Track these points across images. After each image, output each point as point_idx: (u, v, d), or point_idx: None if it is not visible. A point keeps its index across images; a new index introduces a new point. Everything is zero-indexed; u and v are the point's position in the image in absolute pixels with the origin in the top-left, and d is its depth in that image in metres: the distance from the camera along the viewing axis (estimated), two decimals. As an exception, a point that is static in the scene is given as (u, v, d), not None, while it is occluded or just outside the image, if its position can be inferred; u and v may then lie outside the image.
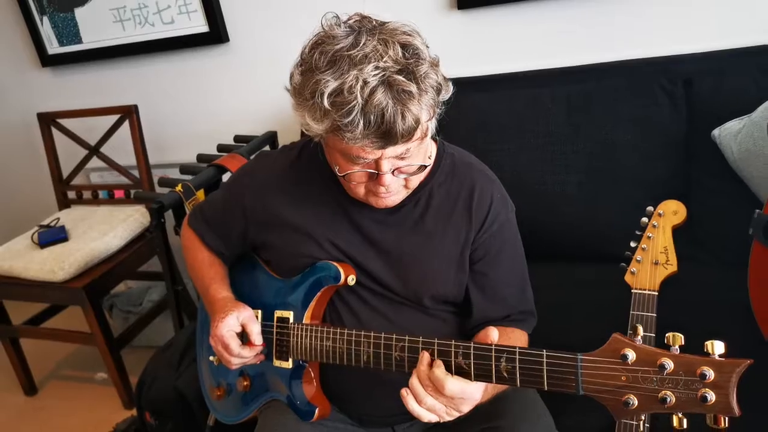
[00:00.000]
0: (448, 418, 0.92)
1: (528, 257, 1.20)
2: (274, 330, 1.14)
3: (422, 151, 0.99)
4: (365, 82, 0.86)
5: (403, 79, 0.87)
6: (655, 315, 1.19)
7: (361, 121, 0.87)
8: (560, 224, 1.66)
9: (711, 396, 0.71)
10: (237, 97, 2.27)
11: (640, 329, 0.77)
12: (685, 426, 0.74)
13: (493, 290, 1.12)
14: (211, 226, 1.24)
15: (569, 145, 1.65)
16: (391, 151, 0.92)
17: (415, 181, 1.03)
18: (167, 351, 1.62)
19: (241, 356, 1.11)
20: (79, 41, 2.36)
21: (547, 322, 1.21)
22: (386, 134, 0.88)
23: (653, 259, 1.24)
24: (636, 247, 1.27)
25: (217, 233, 1.24)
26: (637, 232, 1.27)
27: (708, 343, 0.72)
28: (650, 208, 1.28)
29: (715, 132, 1.54)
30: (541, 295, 1.22)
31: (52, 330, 2.28)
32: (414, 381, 0.91)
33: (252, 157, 1.87)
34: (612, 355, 0.77)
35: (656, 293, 1.21)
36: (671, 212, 1.26)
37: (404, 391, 0.92)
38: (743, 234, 1.28)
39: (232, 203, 1.19)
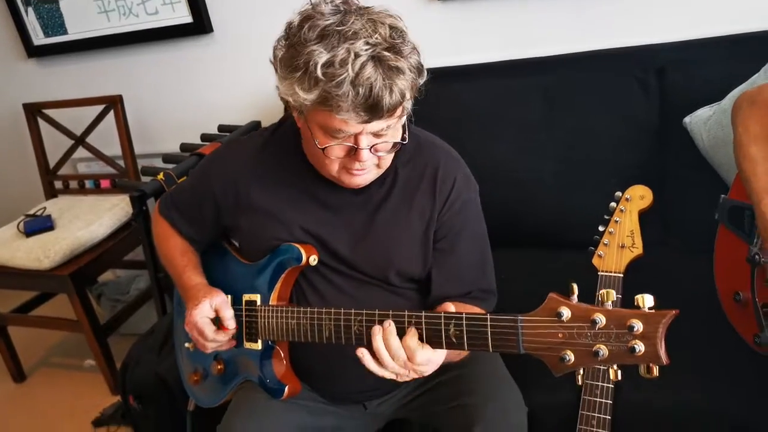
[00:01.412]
0: (406, 379, 0.96)
1: (502, 245, 1.23)
2: (243, 313, 1.16)
3: (399, 130, 1.01)
4: (356, 56, 0.89)
5: (392, 55, 0.91)
6: (620, 296, 1.22)
7: (351, 92, 0.89)
8: (535, 212, 1.68)
9: (640, 347, 0.74)
10: (221, 87, 2.29)
11: (575, 287, 0.80)
12: (620, 377, 0.78)
13: (454, 267, 1.14)
14: (182, 213, 1.26)
15: (544, 134, 1.67)
16: (373, 126, 0.95)
17: (387, 160, 1.06)
18: (150, 336, 1.64)
19: (216, 341, 1.14)
20: (65, 32, 2.37)
21: (519, 310, 1.24)
22: (373, 107, 0.91)
23: (620, 243, 1.27)
24: (604, 231, 1.30)
25: (188, 220, 1.26)
26: (606, 217, 1.31)
27: (638, 297, 0.75)
28: (618, 194, 1.31)
29: (687, 120, 1.56)
30: (514, 283, 1.26)
31: (40, 318, 2.31)
32: (380, 347, 0.94)
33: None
34: (549, 313, 0.80)
35: (621, 275, 1.25)
36: (638, 197, 1.29)
37: (360, 352, 0.94)
38: (712, 220, 1.31)
39: (202, 189, 1.20)
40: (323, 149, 1.00)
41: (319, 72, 0.90)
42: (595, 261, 1.28)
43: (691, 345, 1.20)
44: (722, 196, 1.30)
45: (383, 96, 0.90)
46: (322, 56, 0.89)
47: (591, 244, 1.30)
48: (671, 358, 0.75)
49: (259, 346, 1.14)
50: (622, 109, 1.63)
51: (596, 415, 1.15)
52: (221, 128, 2.14)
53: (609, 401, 1.15)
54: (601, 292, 0.78)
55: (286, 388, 1.13)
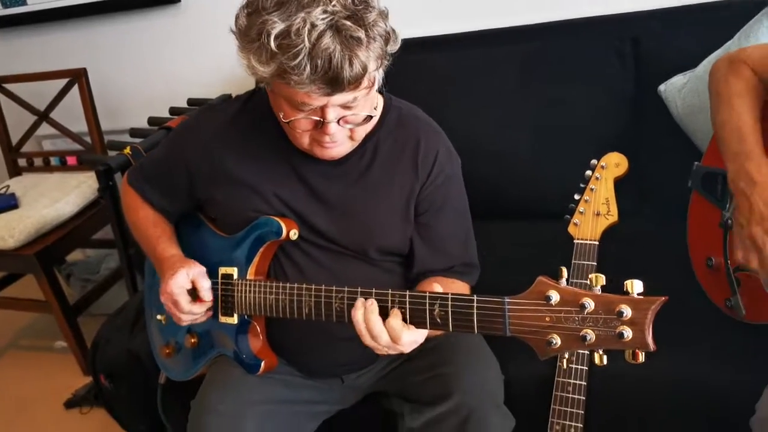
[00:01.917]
0: (384, 353, 0.95)
1: (479, 216, 1.21)
2: (219, 287, 1.14)
3: (369, 102, 0.98)
4: (313, 25, 0.85)
5: (352, 24, 0.86)
6: (595, 264, 1.23)
7: (308, 65, 0.85)
8: (512, 183, 1.68)
9: (628, 332, 0.73)
10: (190, 60, 2.23)
11: (564, 271, 0.79)
12: (605, 363, 0.77)
13: (436, 242, 1.13)
14: (153, 184, 1.22)
15: (520, 104, 1.66)
16: (338, 98, 0.92)
17: (361, 132, 1.03)
18: (120, 315, 1.62)
19: (192, 312, 1.11)
20: (23, 2, 2.28)
21: (496, 280, 1.23)
22: (333, 80, 0.88)
23: (595, 210, 1.27)
24: (579, 200, 1.30)
25: (159, 191, 1.22)
26: (581, 185, 1.30)
27: (627, 282, 0.74)
28: (594, 161, 1.31)
29: (661, 87, 1.56)
30: (491, 253, 1.25)
31: (7, 299, 2.25)
32: (359, 321, 0.92)
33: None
34: (537, 297, 0.79)
35: (597, 243, 1.25)
36: (613, 164, 1.29)
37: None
38: (686, 188, 1.32)
39: (174, 159, 1.17)
40: (288, 122, 0.97)
41: (272, 44, 0.86)
42: (571, 229, 1.28)
43: (664, 312, 1.21)
44: (696, 163, 1.31)
45: (343, 68, 0.86)
46: (276, 26, 0.85)
47: (567, 213, 1.30)
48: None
49: (235, 320, 1.12)
50: (597, 78, 1.62)
51: (572, 381, 1.16)
52: (191, 102, 2.09)
53: (585, 368, 1.16)
54: (590, 276, 0.76)
55: (263, 363, 1.12)
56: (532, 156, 1.65)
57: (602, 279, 0.76)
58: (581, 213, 1.28)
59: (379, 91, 1.11)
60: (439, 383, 1.10)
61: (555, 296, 0.78)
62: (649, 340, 0.73)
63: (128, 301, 1.69)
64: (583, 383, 1.15)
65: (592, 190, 1.29)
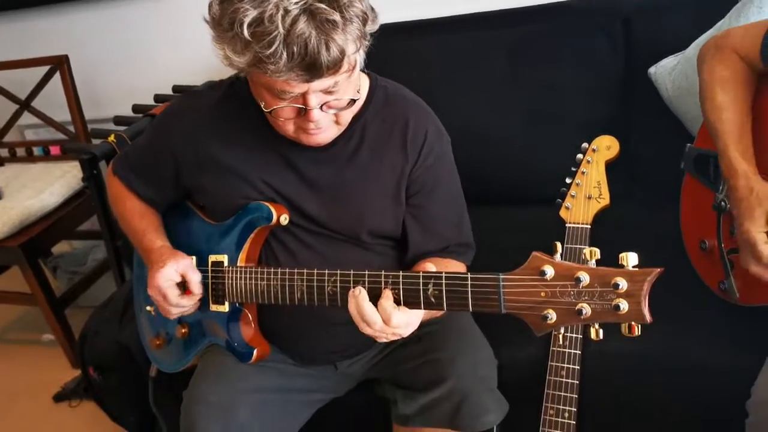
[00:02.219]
0: (386, 340, 0.93)
1: (469, 201, 1.20)
2: (209, 274, 1.12)
3: (351, 85, 0.96)
4: (286, 11, 0.82)
5: (326, 7, 0.84)
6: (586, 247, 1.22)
7: (284, 53, 0.83)
8: (503, 168, 1.67)
9: (624, 305, 0.72)
10: (175, 46, 2.18)
11: (559, 246, 0.79)
12: (601, 337, 0.77)
13: (430, 223, 1.11)
14: (139, 173, 1.20)
15: (509, 88, 1.65)
16: (318, 84, 0.89)
17: (346, 116, 1.01)
18: (108, 306, 1.59)
19: (180, 305, 1.10)
20: (2, -12, 2.22)
21: (488, 265, 1.22)
22: (311, 66, 0.85)
23: (587, 194, 1.27)
24: (571, 183, 1.29)
25: (145, 180, 1.19)
26: (573, 169, 1.30)
27: (622, 255, 0.73)
28: (585, 145, 1.30)
29: (651, 70, 1.55)
30: (483, 239, 1.24)
31: (-9, 292, 2.21)
32: (354, 314, 0.91)
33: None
34: (532, 272, 0.79)
35: (589, 226, 1.24)
36: (604, 147, 1.28)
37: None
38: (678, 170, 1.32)
39: (159, 147, 1.14)
40: (270, 112, 0.95)
41: (246, 32, 0.83)
42: (563, 213, 1.28)
43: (657, 294, 1.21)
44: (688, 144, 1.30)
45: (320, 53, 0.84)
46: (249, 14, 0.83)
47: (559, 197, 1.29)
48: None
49: (226, 308, 1.10)
50: (587, 60, 1.61)
51: (565, 365, 1.16)
52: (176, 89, 2.05)
53: (578, 351, 1.16)
54: (585, 250, 0.76)
55: (255, 351, 1.10)
56: (522, 140, 1.63)
57: (597, 253, 0.76)
58: (573, 197, 1.28)
59: (364, 71, 1.10)
60: (432, 369, 1.09)
61: (550, 271, 0.77)
62: (645, 311, 0.72)
63: (116, 292, 1.66)
64: (577, 367, 1.15)
65: (583, 173, 1.28)
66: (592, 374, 1.17)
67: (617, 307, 0.73)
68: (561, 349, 1.16)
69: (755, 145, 1.10)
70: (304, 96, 0.92)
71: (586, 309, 0.75)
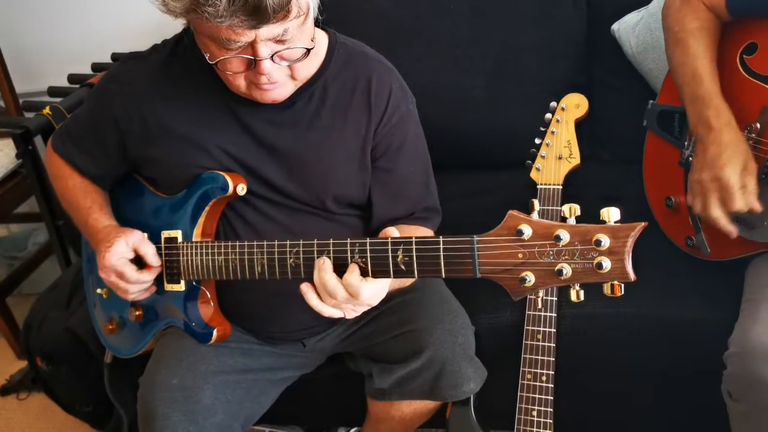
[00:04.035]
0: (353, 315, 0.89)
1: (434, 167, 1.16)
2: (163, 252, 1.04)
3: (305, 34, 0.89)
4: None
5: None
6: (560, 208, 1.20)
7: None
8: (467, 130, 1.62)
9: (607, 263, 0.69)
10: (113, 11, 2.02)
11: (536, 204, 0.75)
12: (582, 298, 0.73)
13: (396, 187, 1.07)
14: (81, 147, 1.10)
15: (473, 49, 1.59)
16: (267, 31, 0.82)
17: (302, 70, 0.94)
18: (54, 291, 1.51)
19: (140, 281, 1.02)
20: None
21: (457, 229, 1.20)
22: (255, 10, 0.78)
23: (557, 154, 1.24)
24: (541, 144, 1.26)
25: (88, 154, 1.10)
26: (542, 129, 1.27)
27: (603, 210, 0.70)
28: (553, 104, 1.27)
29: (614, 26, 1.53)
30: (450, 206, 1.20)
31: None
32: (318, 284, 0.85)
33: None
34: (508, 232, 0.74)
35: (561, 187, 1.22)
36: (573, 105, 1.26)
37: (305, 286, 0.86)
38: (641, 128, 1.30)
39: (101, 117, 1.05)
40: (216, 63, 0.87)
41: None
42: (533, 175, 1.25)
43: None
44: (651, 101, 1.29)
45: None
46: None
47: (528, 159, 1.26)
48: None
49: (182, 287, 1.03)
50: (549, 19, 1.57)
51: (541, 329, 1.14)
52: (115, 57, 1.92)
53: (554, 314, 1.14)
54: (564, 207, 0.72)
55: (215, 332, 1.04)
56: (487, 102, 1.59)
57: (576, 209, 0.72)
58: (543, 157, 1.25)
59: (323, 28, 1.03)
60: (409, 340, 1.06)
61: (527, 230, 0.72)
62: (629, 269, 0.69)
63: (61, 276, 1.57)
64: (553, 330, 1.14)
65: (553, 133, 1.25)
66: (568, 336, 1.16)
67: (599, 266, 0.69)
68: (537, 313, 1.15)
69: None
70: (252, 46, 0.85)
71: (567, 269, 0.71)
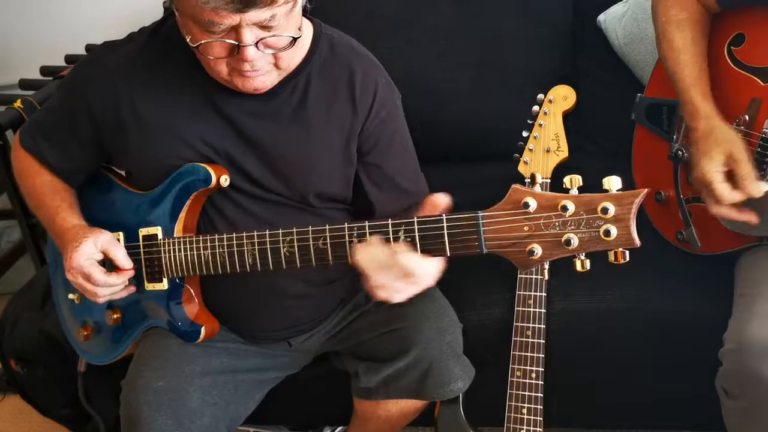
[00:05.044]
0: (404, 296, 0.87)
1: (420, 160, 1.15)
2: (141, 250, 1.01)
3: (292, 22, 0.86)
4: None
5: None
6: (550, 201, 1.18)
7: None
8: (452, 123, 1.60)
9: (613, 230, 0.71)
10: (88, 1, 1.97)
11: (539, 177, 0.77)
12: (588, 268, 0.75)
13: (390, 182, 1.05)
14: (52, 141, 1.05)
15: (457, 40, 1.57)
16: (253, 16, 0.79)
17: (287, 59, 0.91)
18: (29, 291, 1.47)
19: (109, 284, 0.98)
20: None
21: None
22: None
23: (545, 147, 1.23)
24: (528, 137, 1.25)
25: (60, 148, 1.05)
26: (529, 121, 1.25)
27: (605, 180, 0.72)
28: (541, 96, 1.26)
29: (601, 17, 1.52)
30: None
31: None
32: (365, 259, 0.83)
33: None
34: (513, 206, 0.75)
35: (549, 180, 1.21)
36: (561, 97, 1.24)
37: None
38: (629, 122, 1.29)
39: (74, 105, 1.01)
40: (197, 47, 0.84)
41: None
42: (521, 168, 1.24)
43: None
44: (639, 95, 1.28)
45: None
46: None
47: (511, 152, 1.24)
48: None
49: (164, 285, 1.00)
50: (534, 9, 1.55)
51: (530, 325, 1.13)
52: (89, 49, 1.86)
53: (543, 310, 1.13)
54: (565, 178, 0.73)
55: (203, 329, 1.01)
56: (472, 94, 1.57)
57: (578, 180, 0.74)
58: (531, 150, 1.23)
59: (309, 18, 1.01)
60: (396, 338, 1.04)
61: (532, 203, 0.74)
62: (635, 235, 0.71)
63: (35, 276, 1.54)
64: (542, 326, 1.12)
65: (540, 125, 1.24)
66: (558, 332, 1.15)
67: (607, 233, 0.71)
68: (526, 309, 1.13)
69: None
70: (236, 30, 0.82)
71: (574, 238, 0.72)
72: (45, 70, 1.73)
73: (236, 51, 0.84)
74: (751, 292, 1.01)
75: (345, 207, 1.08)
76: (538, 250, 0.74)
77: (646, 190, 0.72)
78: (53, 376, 1.37)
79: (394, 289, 0.84)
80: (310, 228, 0.85)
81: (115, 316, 1.07)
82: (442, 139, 1.56)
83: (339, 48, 1.02)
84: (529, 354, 1.11)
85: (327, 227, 0.84)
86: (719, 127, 1.02)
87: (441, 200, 0.84)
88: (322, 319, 1.11)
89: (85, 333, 1.12)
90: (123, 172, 1.09)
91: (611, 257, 0.72)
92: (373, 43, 1.57)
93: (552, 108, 1.23)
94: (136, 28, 2.00)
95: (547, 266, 0.77)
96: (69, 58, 1.80)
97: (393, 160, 1.05)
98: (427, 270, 0.82)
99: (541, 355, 1.11)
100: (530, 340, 1.12)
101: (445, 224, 0.78)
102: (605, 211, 0.70)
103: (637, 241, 0.70)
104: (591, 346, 1.21)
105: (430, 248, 0.79)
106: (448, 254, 0.79)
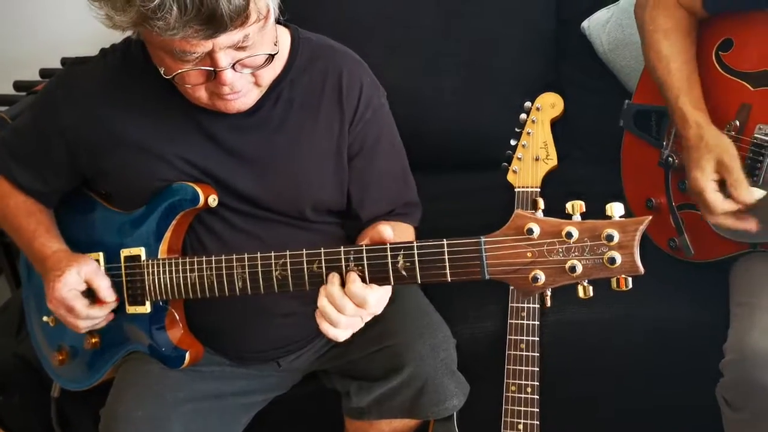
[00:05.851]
0: (361, 325, 0.84)
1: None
2: (123, 272, 0.97)
3: (266, 38, 0.83)
4: None
5: None
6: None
7: (174, 5, 0.70)
8: (437, 131, 1.58)
9: (617, 257, 0.69)
10: (63, 13, 1.94)
11: (541, 203, 0.74)
12: (591, 294, 0.73)
13: (374, 185, 1.03)
14: (22, 162, 1.01)
15: (441, 47, 1.56)
16: (224, 40, 0.77)
17: (266, 75, 0.88)
18: (3, 314, 1.42)
19: (91, 317, 0.95)
20: None
21: (438, 233, 1.16)
22: (210, 18, 0.73)
23: (534, 155, 1.21)
24: (516, 145, 1.23)
25: (31, 170, 1.01)
26: (517, 130, 1.24)
27: (608, 206, 0.70)
28: (528, 104, 1.25)
29: (585, 24, 1.52)
30: (428, 207, 1.16)
31: None
32: (325, 304, 0.80)
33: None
34: (516, 232, 0.73)
35: (538, 189, 1.20)
36: (549, 105, 1.23)
37: (318, 314, 0.81)
38: (617, 128, 1.28)
39: (46, 127, 0.97)
40: (173, 77, 0.81)
41: None
42: (510, 177, 1.22)
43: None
44: (626, 101, 1.27)
45: (218, 1, 0.71)
46: None
47: (498, 160, 1.23)
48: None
49: (147, 308, 0.96)
50: (518, 16, 1.54)
51: (524, 338, 1.11)
52: (65, 62, 1.83)
53: (536, 322, 1.11)
54: (567, 204, 0.72)
55: (187, 354, 0.97)
56: (457, 101, 1.56)
57: (581, 206, 0.72)
58: (519, 159, 1.22)
59: (283, 24, 0.97)
60: (388, 356, 1.01)
61: (536, 228, 0.72)
62: (639, 262, 0.70)
63: (10, 298, 1.50)
64: (536, 339, 1.10)
65: (528, 134, 1.22)
66: (553, 344, 1.14)
67: (611, 260, 0.69)
68: (519, 321, 1.11)
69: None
70: (211, 56, 0.79)
71: (578, 265, 0.70)
72: (18, 85, 1.69)
73: (213, 76, 0.81)
74: (750, 301, 1.00)
75: (341, 222, 1.06)
76: (542, 276, 0.73)
77: (650, 217, 0.70)
78: (30, 402, 1.32)
79: (345, 325, 0.81)
80: (304, 251, 0.82)
81: (93, 340, 1.03)
82: (428, 147, 1.54)
83: (320, 50, 1.00)
84: (523, 368, 1.09)
85: (322, 250, 0.81)
86: (709, 135, 1.01)
87: (386, 235, 0.79)
88: (312, 337, 1.08)
89: (60, 357, 1.08)
90: (104, 191, 1.05)
91: (614, 284, 0.71)
92: (358, 50, 1.55)
93: (540, 116, 1.22)
94: (112, 40, 1.96)
95: (549, 293, 0.76)
96: (44, 72, 1.76)
97: (379, 161, 1.03)
98: (379, 299, 0.80)
99: (536, 369, 1.09)
100: (524, 353, 1.10)
101: (446, 249, 0.76)
102: (610, 238, 0.69)
103: (641, 269, 0.70)
104: (586, 358, 1.20)
105: (429, 272, 0.77)
106: (449, 279, 0.77)
